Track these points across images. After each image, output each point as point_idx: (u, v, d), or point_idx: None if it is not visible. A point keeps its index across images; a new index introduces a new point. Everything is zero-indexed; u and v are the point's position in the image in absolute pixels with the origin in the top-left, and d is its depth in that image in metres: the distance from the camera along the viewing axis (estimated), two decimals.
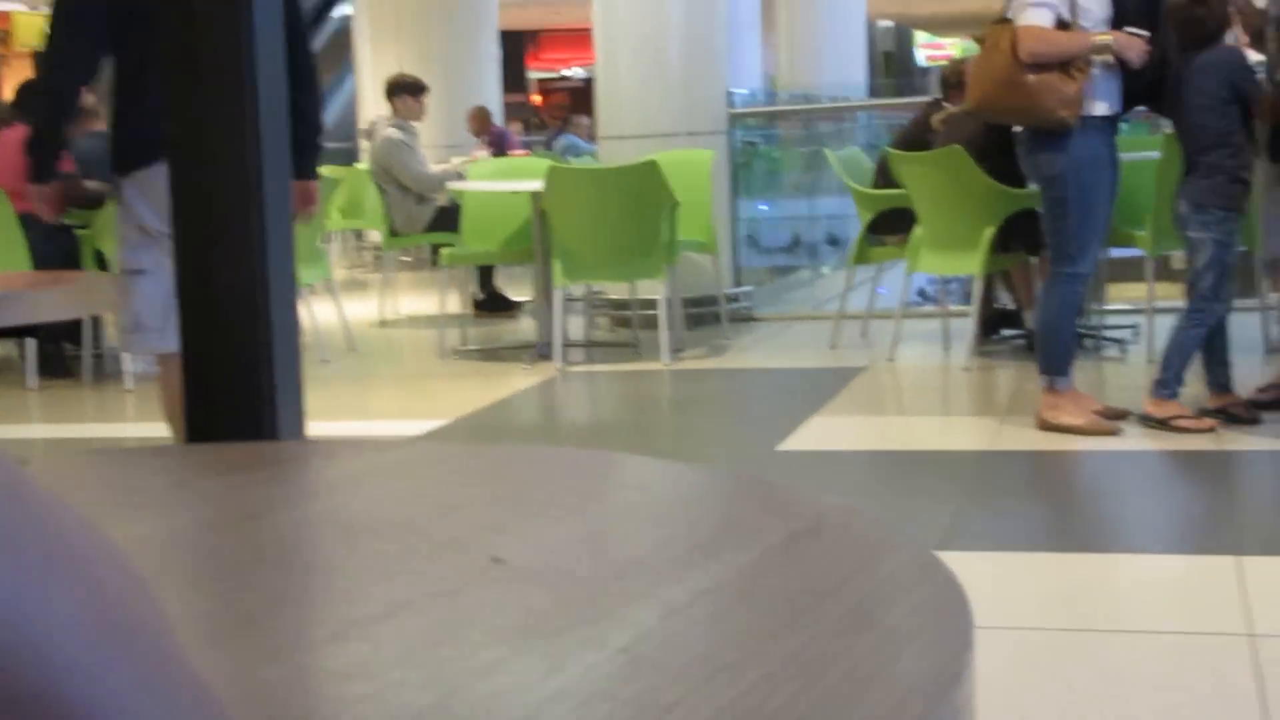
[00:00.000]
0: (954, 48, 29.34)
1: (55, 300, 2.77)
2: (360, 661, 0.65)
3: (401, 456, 1.06)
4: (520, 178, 7.48)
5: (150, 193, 3.61)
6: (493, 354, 7.17)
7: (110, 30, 3.66)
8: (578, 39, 26.61)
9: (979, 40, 4.86)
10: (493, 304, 8.42)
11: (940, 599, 0.71)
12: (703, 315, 7.43)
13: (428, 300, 8.64)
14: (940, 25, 29.72)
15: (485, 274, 8.45)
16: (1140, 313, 6.44)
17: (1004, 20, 4.62)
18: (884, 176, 6.67)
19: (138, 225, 3.63)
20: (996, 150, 5.57)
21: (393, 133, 8.18)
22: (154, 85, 3.96)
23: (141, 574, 0.35)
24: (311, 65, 4.32)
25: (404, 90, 8.42)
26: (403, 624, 0.71)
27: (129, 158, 3.67)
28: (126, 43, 3.67)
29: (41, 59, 4.07)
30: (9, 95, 8.79)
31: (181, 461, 1.24)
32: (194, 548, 0.87)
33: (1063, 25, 4.52)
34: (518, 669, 0.63)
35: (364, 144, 9.63)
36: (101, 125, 7.42)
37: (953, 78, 6.74)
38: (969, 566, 3.37)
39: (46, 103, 3.95)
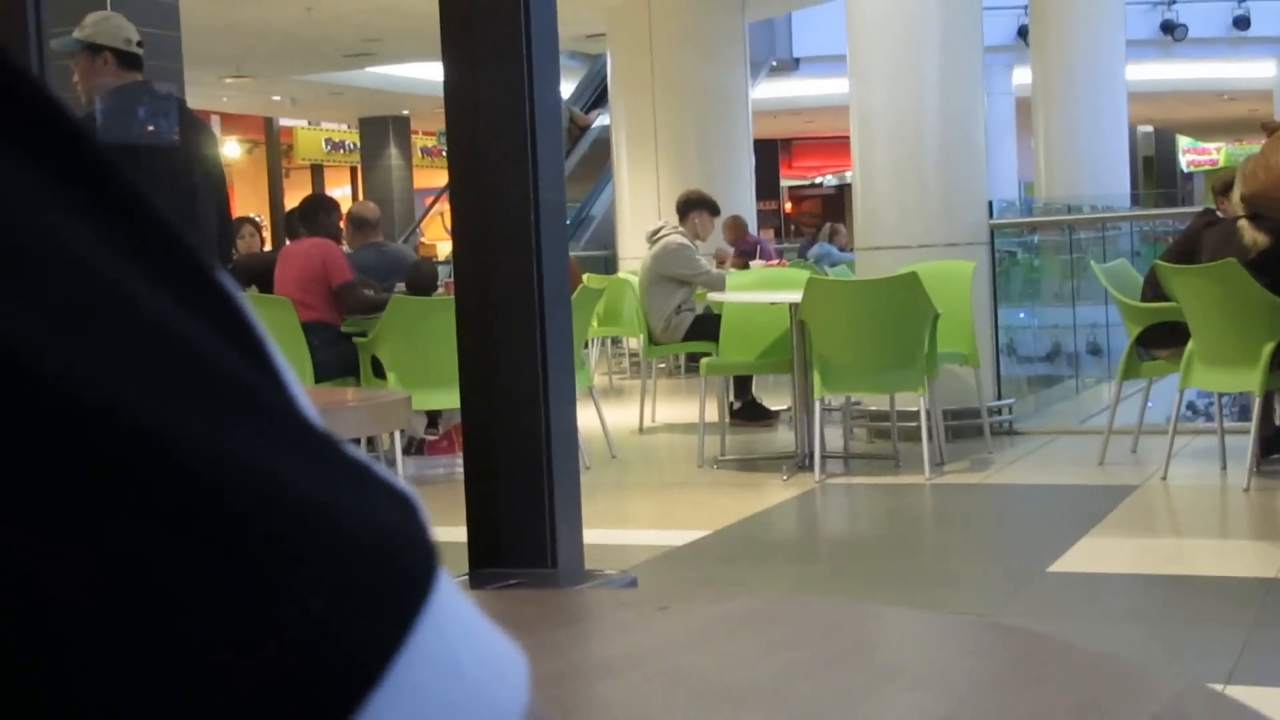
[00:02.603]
0: (1218, 153, 28.55)
1: (351, 420, 2.89)
2: None
3: (736, 610, 1.08)
4: (778, 288, 7.53)
5: None
6: (750, 464, 7.19)
7: None
8: (830, 147, 26.80)
9: (1269, 130, 4.70)
10: (750, 413, 8.46)
11: None
12: (963, 428, 7.32)
13: (685, 408, 8.73)
14: (1203, 130, 28.97)
15: (742, 383, 8.50)
16: None
17: None
18: (1153, 289, 6.51)
19: None
20: (1277, 261, 5.39)
21: (679, 238, 8.42)
22: None
23: None
24: (226, 202, 4.75)
25: (703, 206, 8.78)
26: None
27: None
28: None
29: None
30: (292, 207, 9.24)
31: (505, 608, 1.28)
32: (547, 706, 0.89)
33: None
34: None
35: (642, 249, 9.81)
36: (379, 238, 7.76)
37: (1220, 186, 6.56)
38: (1262, 703, 3.22)
39: None
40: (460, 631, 0.31)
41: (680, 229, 8.52)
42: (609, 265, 13.56)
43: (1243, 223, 5.80)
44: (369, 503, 0.31)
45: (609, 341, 11.99)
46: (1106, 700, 0.85)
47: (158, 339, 0.29)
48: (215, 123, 21.44)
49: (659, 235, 8.48)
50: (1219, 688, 3.27)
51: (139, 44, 4.67)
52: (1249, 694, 3.27)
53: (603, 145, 15.82)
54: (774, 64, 19.45)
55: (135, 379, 0.28)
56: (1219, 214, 6.43)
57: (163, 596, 0.27)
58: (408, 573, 0.30)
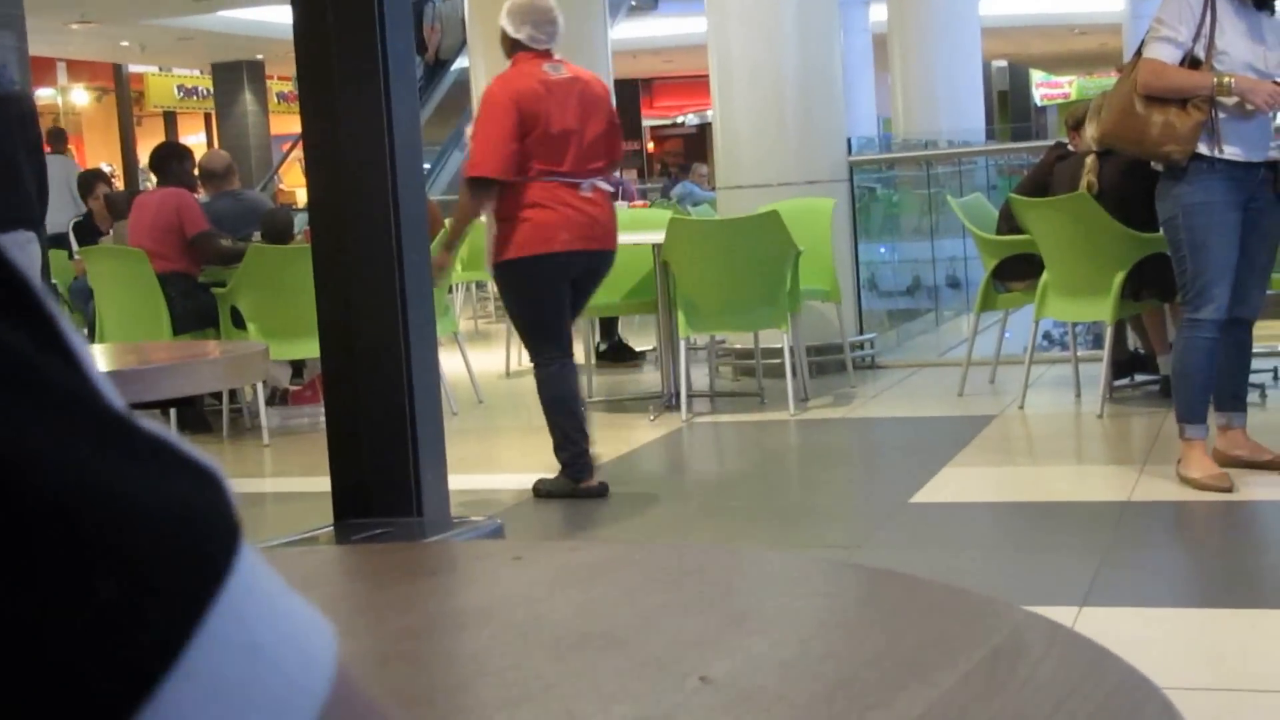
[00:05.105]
0: (1070, 86, 29.07)
1: (208, 373, 2.84)
2: None
3: (589, 559, 1.08)
4: (642, 229, 7.53)
5: None
6: (617, 405, 7.21)
7: None
8: (690, 86, 26.79)
9: (1121, 70, 4.85)
10: (616, 354, 8.47)
11: None
12: (826, 363, 7.41)
13: None
14: (1056, 64, 29.46)
15: (608, 324, 8.50)
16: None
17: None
18: (1008, 222, 6.62)
19: None
20: (1133, 195, 5.50)
21: None
22: None
23: None
24: (43, 162, 4.66)
25: None
26: None
27: None
28: None
29: None
30: (144, 156, 9.03)
31: (363, 561, 1.27)
32: (400, 660, 0.89)
33: (1195, 64, 4.47)
34: None
35: None
36: (235, 185, 7.61)
37: (1073, 120, 6.68)
38: (1114, 624, 3.32)
39: None
40: (262, 610, 0.30)
41: None
42: None
43: (1090, 160, 5.92)
44: (165, 482, 0.30)
45: (474, 286, 11.91)
46: (950, 634, 0.87)
47: None
48: (61, 69, 20.82)
49: None
50: (1075, 609, 3.37)
51: None
52: (1104, 614, 3.38)
53: (462, 87, 15.64)
54: (633, 3, 19.36)
55: None
56: (1071, 148, 6.55)
57: None
58: (205, 553, 0.30)
